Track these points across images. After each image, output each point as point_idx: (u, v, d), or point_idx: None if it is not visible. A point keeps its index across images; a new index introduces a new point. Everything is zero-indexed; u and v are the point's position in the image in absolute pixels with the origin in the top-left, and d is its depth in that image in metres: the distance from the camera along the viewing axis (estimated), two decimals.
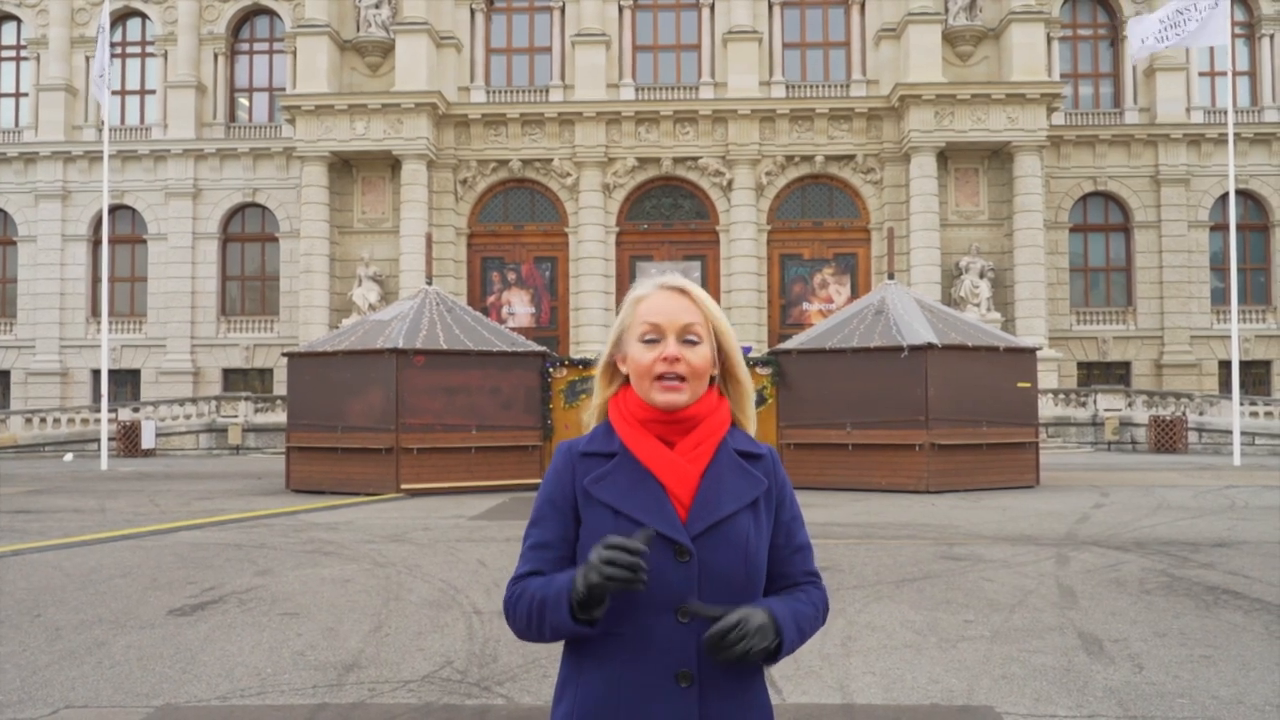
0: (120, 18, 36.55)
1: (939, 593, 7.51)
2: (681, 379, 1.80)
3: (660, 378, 1.80)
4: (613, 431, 1.86)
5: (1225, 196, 32.55)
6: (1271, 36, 35.51)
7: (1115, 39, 35.79)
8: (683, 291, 1.85)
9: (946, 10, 33.25)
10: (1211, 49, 34.03)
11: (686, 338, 1.82)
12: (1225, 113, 31.92)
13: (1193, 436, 28.46)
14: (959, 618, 6.66)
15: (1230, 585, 7.70)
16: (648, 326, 1.82)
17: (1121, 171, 34.85)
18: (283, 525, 12.03)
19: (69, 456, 28.46)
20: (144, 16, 37.13)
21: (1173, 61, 34.48)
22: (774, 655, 1.75)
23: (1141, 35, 23.84)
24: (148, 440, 28.99)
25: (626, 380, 1.89)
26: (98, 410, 28.49)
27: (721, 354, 1.88)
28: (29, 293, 36.20)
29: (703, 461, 1.81)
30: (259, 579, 8.24)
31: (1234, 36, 33.78)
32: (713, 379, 1.88)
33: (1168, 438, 27.65)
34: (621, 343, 1.88)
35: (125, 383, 35.80)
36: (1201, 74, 35.66)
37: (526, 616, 1.78)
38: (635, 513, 1.75)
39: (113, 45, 35.18)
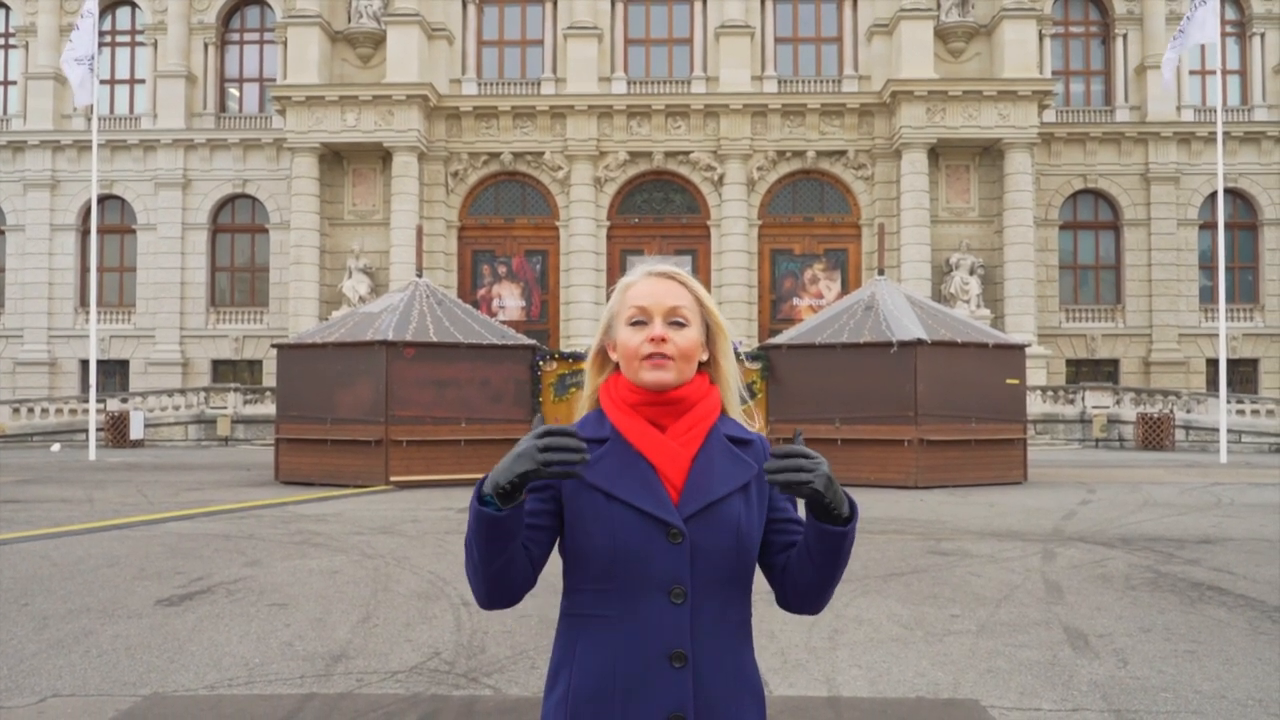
0: (109, 6, 36.35)
1: (926, 587, 7.54)
2: (668, 358, 1.81)
3: (647, 358, 1.81)
4: (604, 417, 1.86)
5: (1214, 195, 32.65)
6: (1262, 35, 35.62)
7: (1107, 37, 35.88)
8: (670, 276, 1.87)
9: (939, 6, 33.26)
10: (1203, 47, 34.11)
11: (673, 320, 1.83)
12: (1215, 111, 32.01)
13: (1180, 434, 28.60)
14: (945, 612, 6.70)
15: (1215, 581, 7.75)
16: (635, 310, 1.83)
17: (1112, 169, 34.94)
18: (271, 516, 12.02)
19: (56, 447, 28.35)
20: (133, 5, 36.94)
21: (1163, 59, 34.50)
22: (848, 520, 1.75)
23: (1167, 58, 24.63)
24: (136, 431, 28.89)
25: (617, 368, 1.90)
26: (86, 400, 28.38)
27: (709, 338, 1.90)
28: (17, 282, 36.02)
29: (694, 445, 1.82)
30: (247, 570, 8.24)
31: (1224, 35, 33.85)
32: (704, 365, 1.90)
33: (1155, 435, 27.78)
34: (611, 329, 1.89)
35: (114, 373, 35.68)
36: (1192, 72, 35.74)
37: (466, 548, 1.74)
38: (627, 496, 1.76)
39: (102, 34, 34.98)
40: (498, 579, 1.74)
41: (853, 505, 1.76)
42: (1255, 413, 28.95)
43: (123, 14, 37.23)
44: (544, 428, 1.64)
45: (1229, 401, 27.33)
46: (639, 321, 1.83)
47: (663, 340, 1.80)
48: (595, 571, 1.77)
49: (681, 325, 1.83)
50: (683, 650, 1.75)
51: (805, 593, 1.85)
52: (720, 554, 1.78)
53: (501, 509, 1.67)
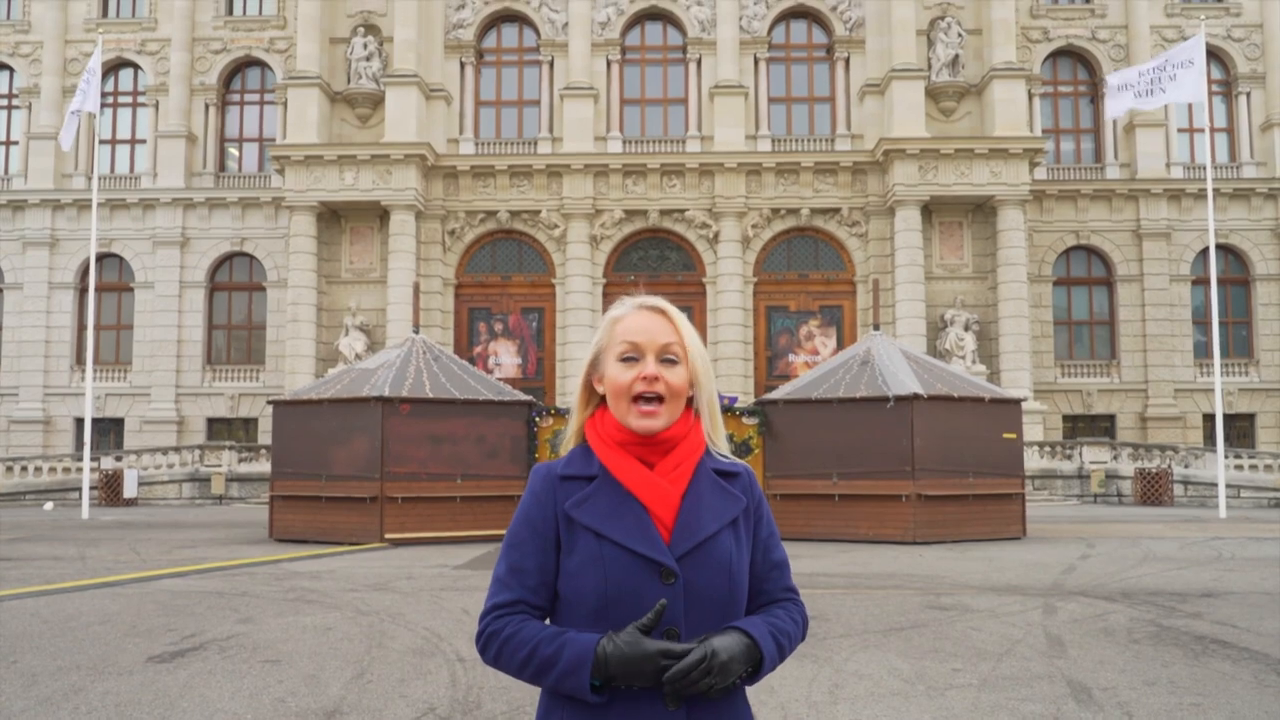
0: (112, 67, 36.80)
1: (926, 642, 7.46)
2: (660, 399, 1.80)
3: (638, 399, 1.79)
4: (591, 454, 1.85)
5: (1206, 251, 32.94)
6: (1248, 94, 36.15)
7: (1095, 96, 36.38)
8: (660, 311, 1.85)
9: (929, 67, 33.77)
10: (1190, 106, 34.64)
11: (665, 357, 1.81)
12: (1204, 168, 32.36)
13: (1178, 489, 28.50)
14: (947, 666, 6.62)
15: (1218, 635, 7.68)
16: (627, 345, 1.82)
17: (1103, 225, 35.24)
18: (265, 574, 11.90)
19: (49, 505, 28.14)
20: (136, 67, 37.42)
21: (1152, 118, 35.05)
22: (753, 675, 1.77)
23: (1120, 83, 24.11)
24: (130, 489, 28.71)
25: (603, 401, 1.88)
26: (80, 459, 28.23)
27: (693, 374, 1.89)
28: (14, 340, 36.02)
29: (683, 482, 1.81)
30: (240, 626, 8.14)
31: (1211, 94, 34.37)
32: (689, 401, 1.88)
33: (1153, 490, 27.68)
34: (599, 363, 1.88)
35: (108, 431, 35.55)
36: (1180, 130, 36.24)
37: (524, 662, 1.74)
38: (619, 536, 1.75)
39: (104, 95, 35.38)
40: None
41: (761, 661, 1.76)
42: (1254, 467, 28.89)
43: (125, 75, 37.70)
44: (669, 665, 1.67)
45: (1227, 456, 27.28)
46: (630, 358, 1.81)
47: (655, 379, 1.79)
48: (587, 614, 1.75)
49: (673, 363, 1.82)
50: None
51: None
52: (713, 593, 1.77)
53: (604, 694, 1.71)
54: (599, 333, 1.89)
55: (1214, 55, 35.26)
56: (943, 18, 34.06)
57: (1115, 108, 24.66)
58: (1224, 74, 36.42)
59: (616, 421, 1.83)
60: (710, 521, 1.79)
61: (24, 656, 6.94)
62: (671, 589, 1.74)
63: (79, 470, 28.36)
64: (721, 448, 1.90)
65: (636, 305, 1.87)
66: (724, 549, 1.79)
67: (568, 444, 1.92)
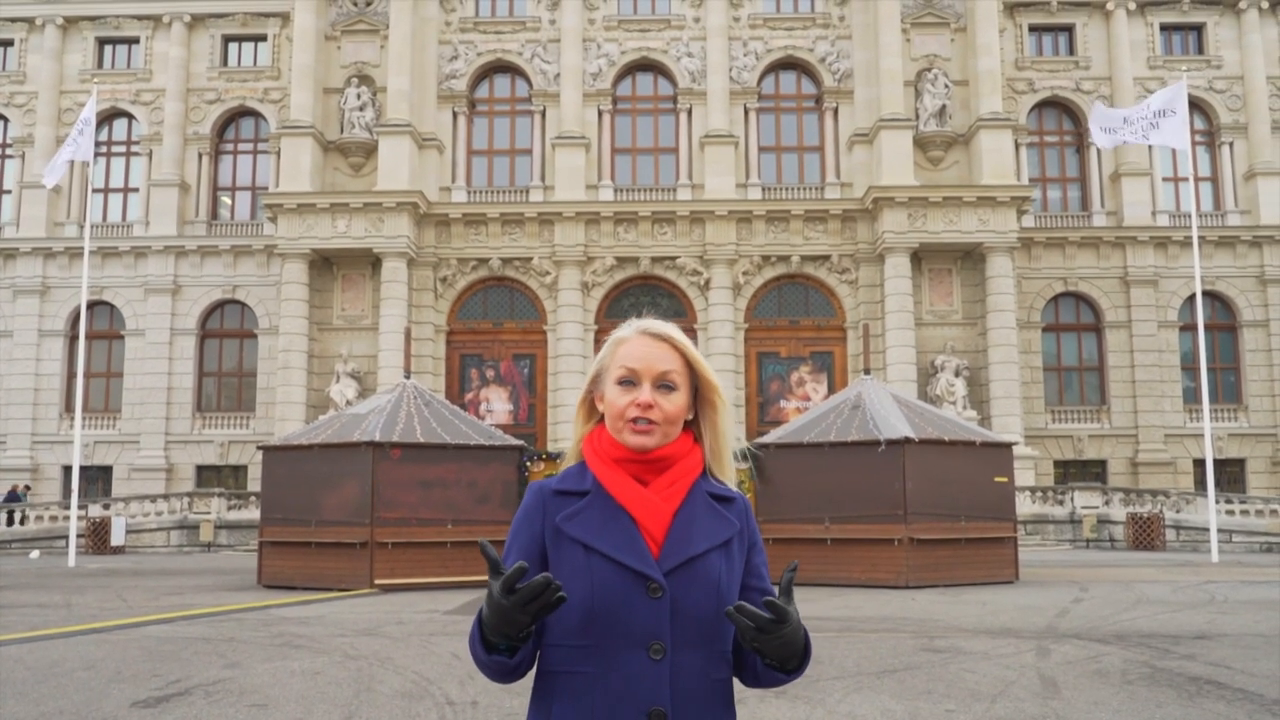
0: (107, 117, 37.02)
1: (920, 683, 7.41)
2: (653, 423, 1.81)
3: (633, 421, 1.81)
4: (586, 470, 1.86)
5: (1193, 297, 33.14)
6: (1230, 144, 36.64)
7: (1081, 145, 36.84)
8: (663, 338, 1.88)
9: (917, 117, 34.17)
10: (1174, 154, 35.09)
11: (662, 384, 1.83)
12: (1190, 216, 32.69)
13: (1170, 534, 28.45)
14: (941, 707, 6.57)
15: (1213, 676, 7.64)
16: (625, 371, 1.84)
17: (1091, 272, 35.51)
18: (253, 620, 11.78)
19: (35, 553, 27.86)
20: (130, 117, 37.67)
21: (1137, 167, 35.52)
22: (795, 672, 1.77)
23: (1103, 125, 24.42)
24: (118, 537, 28.45)
25: (602, 419, 1.90)
26: (67, 506, 27.99)
27: (700, 399, 1.89)
28: (2, 388, 35.86)
29: (676, 500, 1.82)
30: (227, 671, 8.05)
31: (1195, 144, 34.81)
32: (689, 424, 1.89)
33: (1145, 535, 27.63)
34: (599, 381, 1.90)
35: (97, 479, 35.31)
36: (1165, 179, 36.66)
37: (471, 654, 1.76)
38: (607, 548, 1.75)
39: (98, 144, 35.54)
40: (515, 675, 1.77)
41: (805, 656, 1.75)
42: (1245, 512, 28.89)
43: (119, 125, 37.94)
44: (507, 580, 1.62)
45: (1218, 501, 27.27)
46: (628, 382, 1.83)
47: (649, 406, 1.81)
48: (572, 626, 1.75)
49: (669, 389, 1.83)
50: (661, 709, 1.71)
51: (756, 681, 1.85)
52: (700, 610, 1.76)
53: (514, 656, 1.71)
54: (603, 351, 1.92)
55: (1196, 106, 35.74)
56: (930, 69, 34.54)
57: (1102, 141, 25.04)
58: (1207, 124, 36.93)
59: (613, 440, 1.84)
60: (701, 541, 1.79)
61: (6, 703, 6.85)
62: (659, 603, 1.73)
63: (66, 518, 28.08)
64: (725, 478, 1.90)
65: (640, 330, 1.90)
66: (713, 568, 1.78)
67: (568, 459, 1.94)
